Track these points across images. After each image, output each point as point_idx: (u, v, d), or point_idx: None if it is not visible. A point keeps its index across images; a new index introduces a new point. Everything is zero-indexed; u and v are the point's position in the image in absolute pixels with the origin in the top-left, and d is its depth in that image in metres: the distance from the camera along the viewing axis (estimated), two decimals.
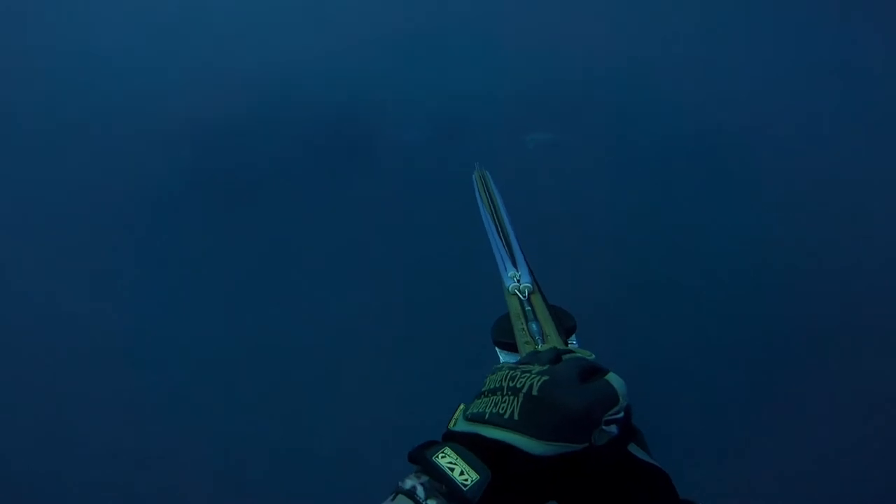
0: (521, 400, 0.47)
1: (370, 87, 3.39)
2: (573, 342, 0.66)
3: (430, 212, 2.50)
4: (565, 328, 0.65)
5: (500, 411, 0.48)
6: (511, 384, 0.49)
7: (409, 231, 2.46)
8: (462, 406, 0.53)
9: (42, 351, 2.05)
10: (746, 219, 2.48)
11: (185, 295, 2.23)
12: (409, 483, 0.47)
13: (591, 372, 0.49)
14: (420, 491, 0.46)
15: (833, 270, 2.22)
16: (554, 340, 0.61)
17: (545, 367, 0.49)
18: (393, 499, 0.47)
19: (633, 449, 0.52)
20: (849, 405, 1.82)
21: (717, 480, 1.67)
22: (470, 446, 0.48)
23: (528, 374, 0.49)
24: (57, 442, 1.82)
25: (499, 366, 0.54)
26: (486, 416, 0.49)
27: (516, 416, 0.47)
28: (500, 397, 0.49)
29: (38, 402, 1.91)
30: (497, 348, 0.69)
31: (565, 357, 0.52)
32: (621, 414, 0.48)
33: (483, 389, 0.52)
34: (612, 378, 0.48)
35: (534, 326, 0.64)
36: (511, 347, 0.66)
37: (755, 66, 3.42)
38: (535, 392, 0.47)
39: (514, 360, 0.61)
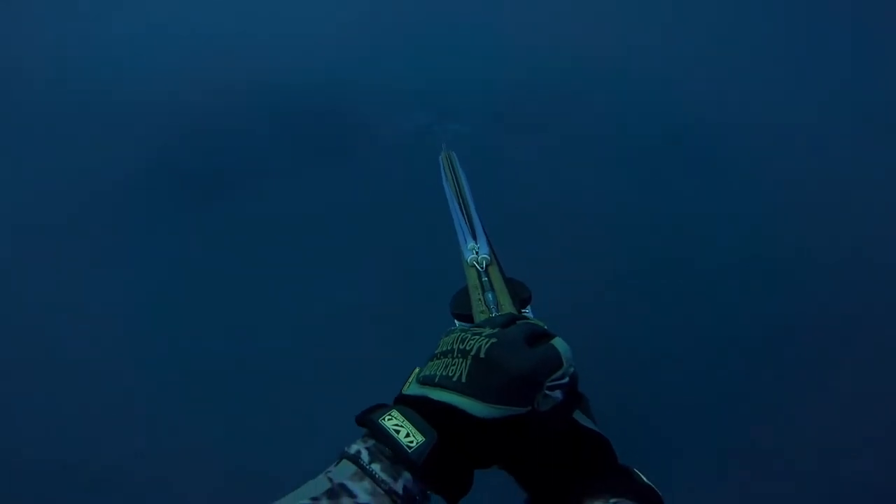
0: (469, 362, 0.48)
1: (350, 76, 3.35)
2: (528, 313, 0.67)
3: (407, 200, 2.49)
4: (521, 299, 0.66)
5: (450, 374, 0.48)
6: (461, 346, 0.49)
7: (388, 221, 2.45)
8: (417, 370, 0.53)
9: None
10: (731, 208, 2.51)
11: (162, 294, 2.18)
12: (354, 448, 0.47)
13: (539, 337, 0.49)
14: (364, 455, 0.46)
15: (826, 262, 2.24)
16: (508, 309, 0.62)
17: (495, 331, 0.50)
18: (337, 464, 0.47)
19: (578, 416, 0.53)
20: (849, 399, 1.82)
21: (714, 476, 1.66)
22: (418, 409, 0.48)
23: (477, 337, 0.49)
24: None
25: (452, 329, 0.54)
26: (437, 378, 0.49)
27: (464, 379, 0.47)
28: (450, 359, 0.50)
29: None
30: (456, 321, 0.70)
31: (518, 322, 0.53)
32: (566, 379, 0.49)
33: (436, 352, 0.52)
34: (558, 343, 0.48)
35: (489, 296, 0.64)
36: (468, 318, 0.66)
37: (743, 60, 3.45)
38: (482, 354, 0.47)
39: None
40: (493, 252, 0.71)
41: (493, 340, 0.48)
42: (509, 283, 0.67)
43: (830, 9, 3.76)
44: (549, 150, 2.82)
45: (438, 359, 0.51)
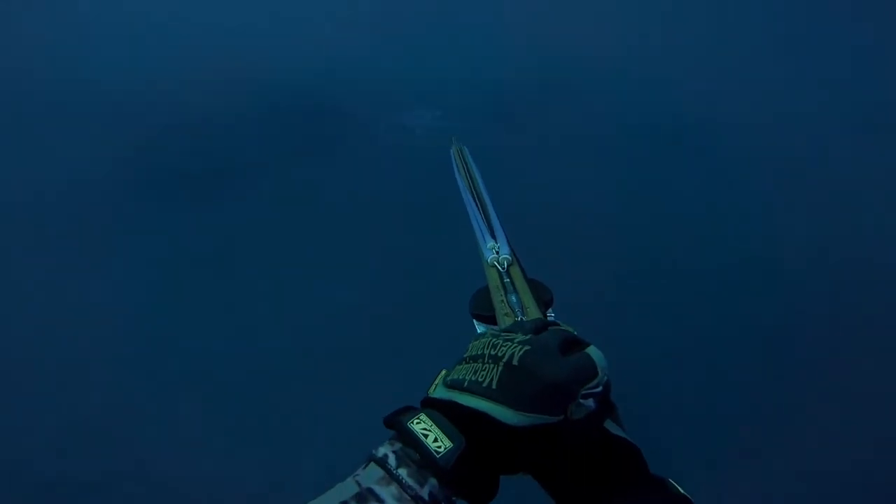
0: (500, 368, 0.47)
1: (345, 74, 3.33)
2: (551, 315, 0.65)
3: (403, 198, 2.48)
4: (543, 301, 0.64)
5: (480, 379, 0.47)
6: (493, 352, 0.48)
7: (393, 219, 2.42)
8: (444, 372, 0.52)
9: None
10: (730, 206, 2.51)
11: (156, 293, 2.14)
12: (381, 451, 0.46)
13: (573, 344, 0.48)
14: (392, 459, 0.45)
15: (823, 259, 2.24)
16: (534, 312, 0.61)
17: (527, 337, 0.49)
18: (365, 467, 0.46)
19: (609, 424, 0.52)
20: (852, 400, 1.81)
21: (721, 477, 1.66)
22: (447, 413, 0.47)
23: (510, 343, 0.48)
24: None
25: (482, 332, 0.53)
26: (465, 383, 0.48)
27: (494, 385, 0.46)
28: (480, 364, 0.48)
29: None
30: (475, 321, 0.68)
31: (550, 328, 0.51)
32: (599, 388, 0.48)
33: (465, 356, 0.51)
34: (593, 351, 0.47)
35: (513, 298, 0.63)
36: (488, 320, 0.65)
37: (741, 56, 3.46)
38: (515, 361, 0.46)
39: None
40: (513, 251, 0.69)
41: (527, 348, 0.47)
42: (531, 284, 0.66)
43: (829, 6, 3.78)
44: (542, 150, 2.82)
45: (468, 363, 0.50)
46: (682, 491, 0.50)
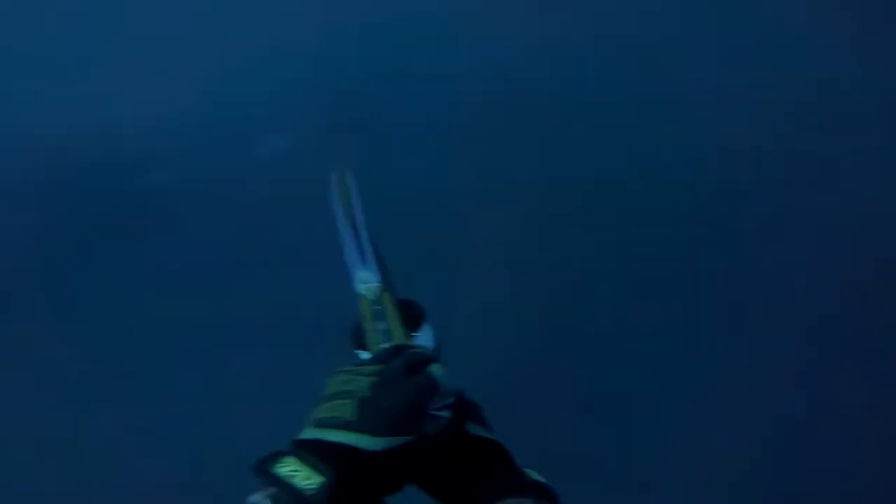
0: (355, 402, 0.51)
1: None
2: (425, 332, 0.69)
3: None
4: (413, 320, 0.68)
5: (337, 415, 0.51)
6: (346, 387, 0.52)
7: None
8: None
9: None
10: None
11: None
12: (255, 498, 0.48)
13: (417, 365, 0.53)
14: None
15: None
16: (398, 337, 0.65)
17: (377, 368, 0.53)
18: None
19: (471, 427, 0.57)
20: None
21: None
22: (315, 451, 0.50)
23: (360, 377, 0.52)
24: None
25: (339, 368, 0.57)
26: (327, 420, 0.52)
27: (352, 417, 0.50)
28: (339, 401, 0.52)
29: None
30: (359, 353, 0.71)
31: (400, 354, 0.56)
32: (451, 399, 0.53)
33: (324, 394, 0.55)
34: (435, 369, 0.52)
35: (381, 326, 0.67)
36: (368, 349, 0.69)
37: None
38: (366, 393, 0.51)
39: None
40: (385, 277, 0.73)
41: (374, 378, 0.51)
42: (401, 305, 0.70)
43: None
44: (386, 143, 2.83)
45: (327, 401, 0.53)
46: (542, 479, 0.56)
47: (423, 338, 0.67)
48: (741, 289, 2.17)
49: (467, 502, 0.56)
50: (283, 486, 0.48)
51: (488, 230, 2.41)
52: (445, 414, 0.53)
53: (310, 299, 2.14)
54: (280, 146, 2.90)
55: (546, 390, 1.92)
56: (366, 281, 0.72)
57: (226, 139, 2.97)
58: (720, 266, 2.25)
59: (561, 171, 2.66)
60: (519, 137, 2.83)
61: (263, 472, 0.49)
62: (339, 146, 2.73)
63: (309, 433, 0.53)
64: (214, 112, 3.11)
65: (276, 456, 0.51)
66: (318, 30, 3.62)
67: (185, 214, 2.63)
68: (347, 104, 3.11)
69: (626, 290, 2.20)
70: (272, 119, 3.05)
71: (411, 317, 0.69)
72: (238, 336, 2.15)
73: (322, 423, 0.52)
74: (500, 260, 2.30)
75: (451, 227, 2.43)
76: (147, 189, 2.78)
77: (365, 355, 0.70)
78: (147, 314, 2.25)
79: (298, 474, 0.48)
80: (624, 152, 2.73)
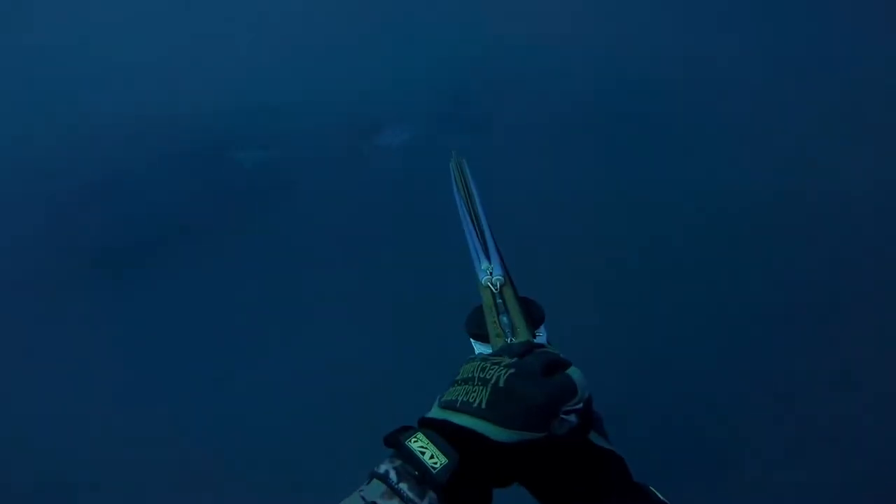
0: (488, 390, 0.51)
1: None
2: (542, 333, 0.69)
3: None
4: (534, 319, 0.68)
5: (470, 400, 0.52)
6: (482, 375, 0.53)
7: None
8: (439, 396, 0.57)
9: None
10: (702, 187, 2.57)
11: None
12: (383, 468, 0.50)
13: (555, 366, 0.52)
14: (393, 475, 0.49)
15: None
16: (523, 333, 0.65)
17: (513, 360, 0.53)
18: (368, 483, 0.50)
19: (593, 436, 0.56)
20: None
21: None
22: (441, 432, 0.51)
23: (497, 366, 0.53)
24: None
25: (473, 356, 0.57)
26: (458, 403, 0.52)
27: (483, 405, 0.51)
28: (471, 386, 0.53)
29: None
30: (472, 340, 0.72)
31: (535, 351, 0.56)
32: (580, 405, 0.52)
33: (457, 378, 0.56)
34: (573, 372, 0.52)
35: (504, 319, 0.67)
36: (483, 338, 0.69)
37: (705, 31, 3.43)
38: (501, 384, 0.51)
39: (487, 352, 0.65)
40: (506, 272, 0.73)
41: (512, 371, 0.51)
42: (523, 303, 0.69)
43: None
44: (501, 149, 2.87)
45: (459, 385, 0.54)
46: (661, 497, 0.54)
47: (542, 338, 0.67)
48: None
49: None
50: (412, 459, 0.49)
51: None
52: (573, 419, 0.52)
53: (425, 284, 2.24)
54: (400, 138, 3.09)
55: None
56: (489, 273, 0.72)
57: (350, 127, 3.19)
58: None
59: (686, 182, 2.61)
60: (635, 144, 2.81)
61: (396, 443, 0.51)
62: (453, 143, 2.83)
63: (438, 413, 0.53)
64: (347, 102, 3.37)
65: (408, 430, 0.52)
66: (440, 31, 3.77)
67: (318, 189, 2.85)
68: (463, 103, 3.22)
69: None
70: (394, 112, 3.23)
71: (532, 316, 0.69)
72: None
73: (452, 406, 0.53)
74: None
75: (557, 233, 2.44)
76: (285, 163, 3.07)
77: (479, 346, 0.71)
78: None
79: (426, 451, 0.49)
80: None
